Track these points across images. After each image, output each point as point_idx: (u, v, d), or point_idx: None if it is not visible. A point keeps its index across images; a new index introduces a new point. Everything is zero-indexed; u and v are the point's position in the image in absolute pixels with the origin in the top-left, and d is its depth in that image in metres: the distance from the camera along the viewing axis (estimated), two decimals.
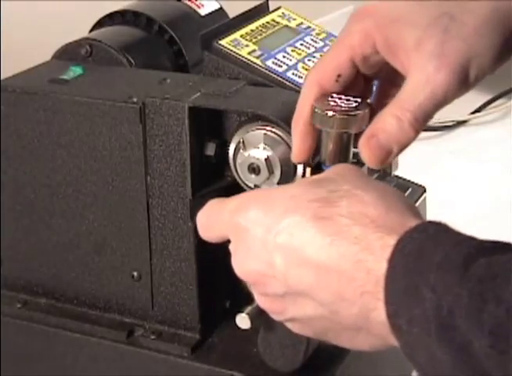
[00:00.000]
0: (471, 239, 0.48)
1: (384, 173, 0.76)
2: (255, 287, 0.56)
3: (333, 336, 0.54)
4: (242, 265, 0.55)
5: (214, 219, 0.58)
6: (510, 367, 0.41)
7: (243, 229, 0.54)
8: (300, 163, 0.63)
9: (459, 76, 0.55)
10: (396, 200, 0.53)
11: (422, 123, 0.55)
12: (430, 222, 0.49)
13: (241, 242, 0.55)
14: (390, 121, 0.55)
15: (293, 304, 0.53)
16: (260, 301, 0.57)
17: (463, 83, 0.55)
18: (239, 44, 0.80)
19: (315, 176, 0.58)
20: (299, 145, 0.62)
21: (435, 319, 0.44)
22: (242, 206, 0.56)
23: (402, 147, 0.56)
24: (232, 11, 0.91)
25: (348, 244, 0.50)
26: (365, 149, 0.57)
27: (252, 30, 0.83)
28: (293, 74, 0.78)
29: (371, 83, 0.63)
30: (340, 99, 0.60)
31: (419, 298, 0.45)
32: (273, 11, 0.88)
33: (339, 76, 0.59)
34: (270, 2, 0.89)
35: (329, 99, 0.60)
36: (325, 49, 0.84)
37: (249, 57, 0.79)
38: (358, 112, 0.59)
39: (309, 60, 0.81)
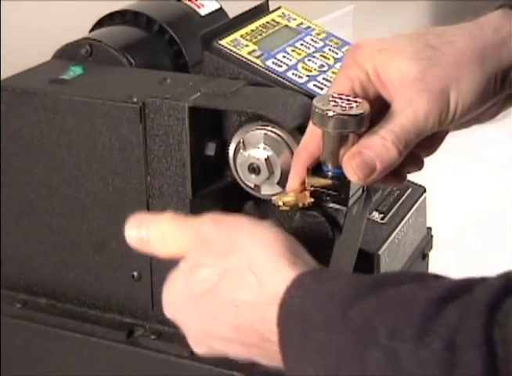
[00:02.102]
0: (346, 285, 0.49)
1: None
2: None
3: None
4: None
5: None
6: None
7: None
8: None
9: (439, 100, 0.57)
10: (268, 254, 0.53)
11: (404, 144, 0.58)
12: (304, 273, 0.50)
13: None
14: (374, 139, 0.58)
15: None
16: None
17: (443, 108, 0.58)
18: (239, 44, 0.80)
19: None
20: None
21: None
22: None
23: (385, 166, 0.58)
24: (232, 11, 0.91)
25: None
26: (349, 165, 0.59)
27: (252, 30, 0.83)
28: (293, 74, 0.78)
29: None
30: (340, 99, 0.60)
31: (309, 360, 0.47)
32: (273, 11, 0.88)
33: None
34: (270, 2, 0.89)
35: (330, 99, 0.60)
36: (325, 49, 0.84)
37: (249, 57, 0.79)
38: (358, 112, 0.59)
39: (309, 60, 0.81)
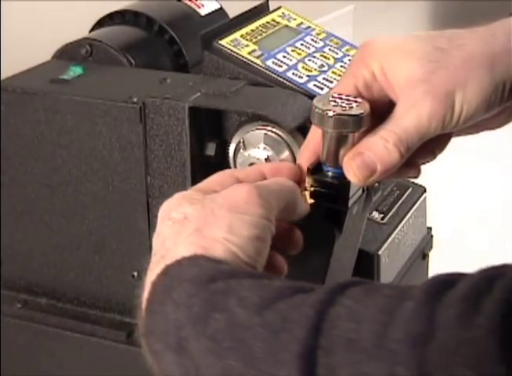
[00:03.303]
0: (229, 266, 0.50)
1: None
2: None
3: None
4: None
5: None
6: (228, 372, 0.44)
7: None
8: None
9: (444, 103, 0.57)
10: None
11: (406, 146, 0.57)
12: (202, 255, 0.51)
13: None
14: (376, 140, 0.58)
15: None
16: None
17: (448, 112, 0.57)
18: (239, 44, 0.80)
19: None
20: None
21: (174, 332, 0.47)
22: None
23: (386, 167, 0.58)
24: (232, 11, 0.91)
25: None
26: (350, 166, 0.58)
27: (252, 30, 0.83)
28: (293, 73, 0.78)
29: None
30: (340, 99, 0.60)
31: (165, 313, 0.48)
32: (273, 11, 0.88)
33: None
34: (270, 2, 0.89)
35: (330, 99, 0.60)
36: (325, 49, 0.84)
37: (249, 57, 0.79)
38: (358, 112, 0.59)
39: (309, 60, 0.81)
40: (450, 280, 0.42)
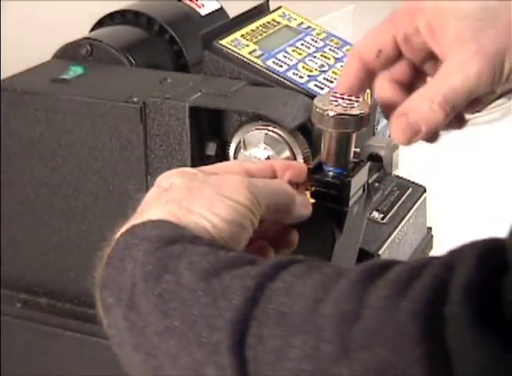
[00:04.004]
0: (191, 233, 0.50)
1: (384, 173, 0.76)
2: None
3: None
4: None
5: None
6: (170, 332, 0.45)
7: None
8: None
9: (493, 63, 0.56)
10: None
11: (452, 106, 0.57)
12: (169, 221, 0.51)
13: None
14: (421, 101, 0.57)
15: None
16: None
17: (497, 72, 0.57)
18: (239, 44, 0.80)
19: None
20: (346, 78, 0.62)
21: (129, 288, 0.48)
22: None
23: (431, 128, 0.57)
24: (233, 11, 0.91)
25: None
26: (395, 126, 0.58)
27: (252, 30, 0.83)
28: (293, 73, 0.78)
29: (413, 71, 0.63)
30: (341, 99, 0.60)
31: (122, 269, 0.49)
32: (274, 11, 0.88)
33: (379, 51, 0.61)
34: (270, 2, 0.89)
35: (330, 99, 0.60)
36: (325, 49, 0.84)
37: (249, 57, 0.79)
38: (359, 112, 0.59)
39: (310, 60, 0.81)
40: (387, 265, 0.42)
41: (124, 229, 0.52)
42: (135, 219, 0.53)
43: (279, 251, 0.59)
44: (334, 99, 0.60)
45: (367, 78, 0.62)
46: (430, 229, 0.95)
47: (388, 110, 0.61)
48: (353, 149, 0.63)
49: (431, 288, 0.39)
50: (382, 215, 0.85)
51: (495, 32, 0.57)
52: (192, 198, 0.52)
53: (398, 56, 0.61)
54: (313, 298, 0.42)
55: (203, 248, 0.48)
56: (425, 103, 0.57)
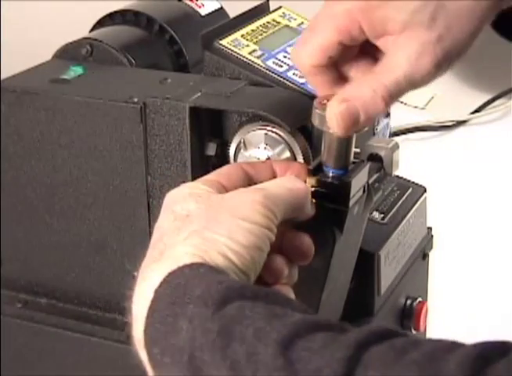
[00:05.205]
0: (235, 282, 0.50)
1: (384, 173, 0.76)
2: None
3: None
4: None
5: None
6: None
7: None
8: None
9: (440, 63, 0.56)
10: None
11: (393, 98, 0.57)
12: (202, 264, 0.50)
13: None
14: (365, 90, 0.57)
15: None
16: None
17: (441, 69, 0.57)
18: (239, 44, 0.80)
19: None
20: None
21: (188, 350, 0.46)
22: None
23: (369, 119, 0.57)
24: (233, 11, 0.91)
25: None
26: (334, 111, 0.57)
27: (253, 30, 0.83)
28: (293, 73, 0.78)
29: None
30: None
31: (176, 328, 0.47)
32: (274, 11, 0.88)
33: (330, 58, 0.60)
34: (270, 2, 0.89)
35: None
36: None
37: (250, 57, 0.79)
38: None
39: None
40: (504, 350, 0.40)
41: (157, 270, 0.51)
42: (163, 258, 0.52)
43: (295, 262, 0.58)
44: None
45: (335, 74, 0.62)
46: (430, 229, 0.95)
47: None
48: (353, 149, 0.63)
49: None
50: (382, 215, 0.85)
51: (444, 31, 0.56)
52: (211, 226, 0.52)
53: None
54: None
55: (259, 308, 0.46)
56: (369, 93, 0.56)
